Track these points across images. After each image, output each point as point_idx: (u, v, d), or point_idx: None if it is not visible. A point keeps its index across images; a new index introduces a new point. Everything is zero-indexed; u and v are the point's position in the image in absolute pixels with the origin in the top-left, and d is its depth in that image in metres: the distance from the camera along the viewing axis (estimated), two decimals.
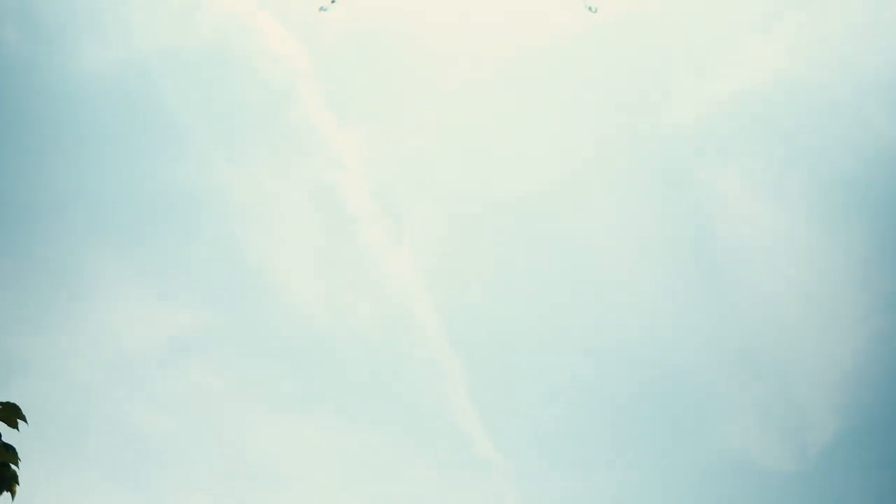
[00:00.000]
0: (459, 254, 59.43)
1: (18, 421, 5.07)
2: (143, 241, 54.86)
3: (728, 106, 52.00)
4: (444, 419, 54.06)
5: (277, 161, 53.77)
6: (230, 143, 53.67)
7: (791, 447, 46.77)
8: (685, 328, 53.63)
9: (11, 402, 4.97)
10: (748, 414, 48.81)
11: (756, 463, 47.33)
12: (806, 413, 47.69)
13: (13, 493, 5.12)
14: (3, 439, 5.09)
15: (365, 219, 54.44)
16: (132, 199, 53.52)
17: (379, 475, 52.20)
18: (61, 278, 53.56)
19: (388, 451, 53.71)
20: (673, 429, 51.61)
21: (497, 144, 56.71)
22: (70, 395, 50.77)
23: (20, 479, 5.15)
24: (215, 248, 58.41)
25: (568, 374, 54.87)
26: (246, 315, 57.30)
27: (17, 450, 5.14)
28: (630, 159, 54.33)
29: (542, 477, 51.34)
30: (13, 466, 5.11)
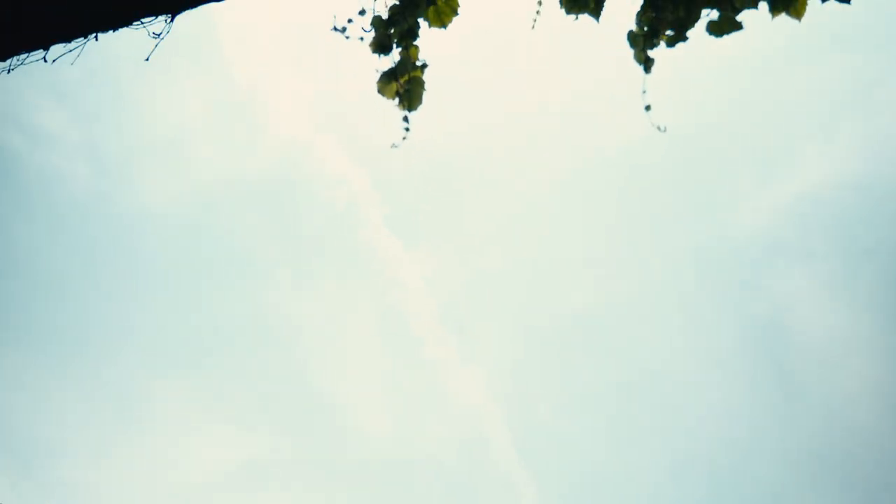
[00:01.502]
0: (527, 370, 58.86)
1: None
2: (209, 369, 55.35)
3: (794, 209, 51.64)
4: None
5: (342, 284, 54.21)
6: (295, 266, 54.25)
7: None
8: (762, 440, 52.16)
9: None
10: None
11: None
12: None
13: None
14: None
15: (431, 339, 54.36)
16: (201, 328, 54.17)
17: None
18: (128, 407, 54.04)
19: None
20: None
21: (561, 261, 56.63)
22: None
23: None
24: (283, 374, 58.61)
25: (644, 493, 53.42)
26: (315, 440, 57.10)
27: None
28: (697, 270, 53.86)
29: None
30: None
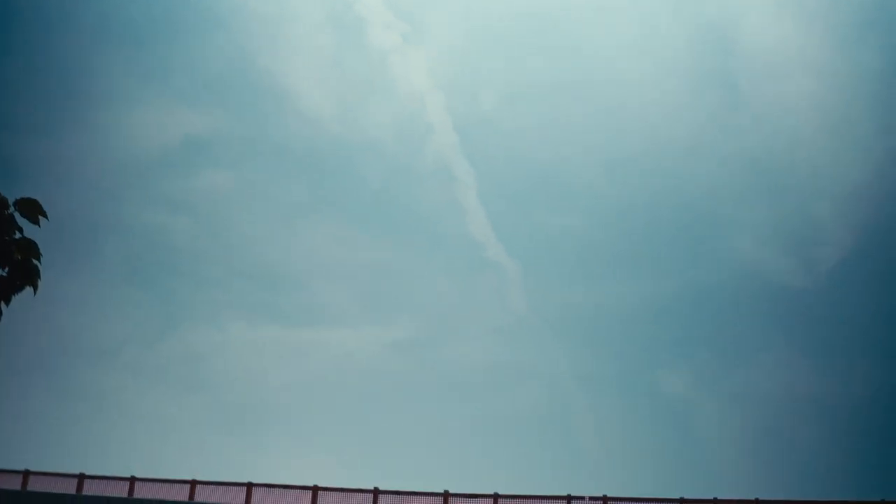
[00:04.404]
0: (474, 58, 58.48)
1: (40, 217, 5.15)
2: (153, 42, 53.98)
3: None
4: (457, 225, 54.60)
5: None
6: None
7: (802, 263, 47.32)
8: (702, 142, 53.34)
9: (32, 197, 5.03)
10: (762, 229, 49.15)
11: (767, 277, 47.97)
12: (819, 230, 48.03)
13: (35, 288, 5.25)
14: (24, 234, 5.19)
15: (377, 22, 53.35)
16: (143, 7, 52.31)
17: (392, 279, 53.11)
18: (72, 81, 53.02)
19: (401, 256, 54.50)
20: (686, 242, 52.05)
21: None
22: (84, 197, 51.20)
23: (41, 274, 5.28)
24: (225, 52, 57.57)
25: (581, 184, 54.91)
26: (257, 119, 57.08)
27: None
28: None
29: (552, 283, 52.20)
30: (35, 261, 5.23)
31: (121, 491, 26.63)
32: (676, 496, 23.62)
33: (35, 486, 27.26)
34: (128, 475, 26.82)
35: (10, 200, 5.08)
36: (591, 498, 24.27)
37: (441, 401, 48.28)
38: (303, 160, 56.67)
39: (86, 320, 50.15)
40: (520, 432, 46.14)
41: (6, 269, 5.09)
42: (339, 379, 49.43)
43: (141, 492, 26.48)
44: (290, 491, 26.03)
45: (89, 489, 26.83)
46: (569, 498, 24.39)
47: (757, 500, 22.94)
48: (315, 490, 25.78)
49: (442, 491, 25.04)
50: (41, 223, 5.10)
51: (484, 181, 56.16)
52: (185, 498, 26.03)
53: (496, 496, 24.72)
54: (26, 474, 27.48)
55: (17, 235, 5.10)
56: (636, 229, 53.48)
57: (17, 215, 5.10)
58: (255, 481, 26.10)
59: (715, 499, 23.26)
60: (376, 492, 25.42)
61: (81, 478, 27.03)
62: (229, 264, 55.08)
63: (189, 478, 26.28)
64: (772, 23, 48.75)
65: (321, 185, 57.30)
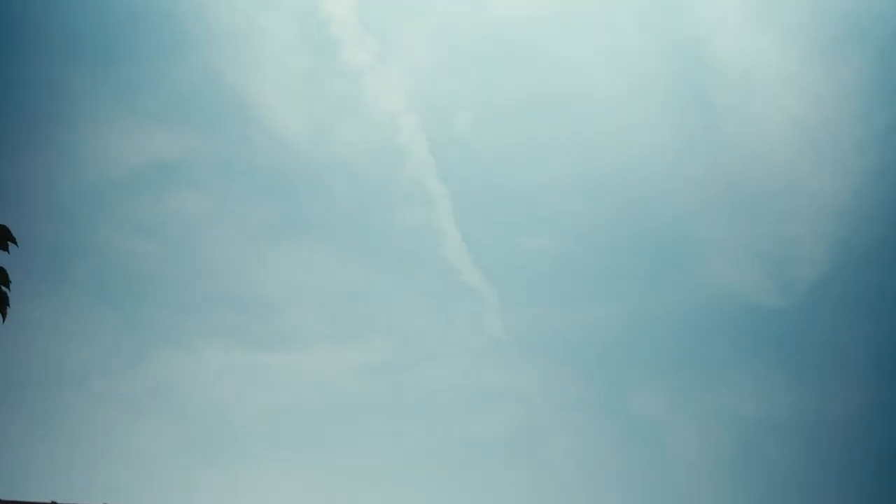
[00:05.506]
0: (448, 77, 58.57)
1: (9, 243, 4.91)
2: (121, 61, 53.67)
3: None
4: (432, 247, 54.49)
5: None
6: None
7: (779, 283, 47.57)
8: (677, 161, 53.66)
9: (1, 224, 4.80)
10: (738, 249, 49.38)
11: (744, 298, 48.15)
12: (796, 249, 48.29)
13: (4, 315, 5.02)
14: None
15: (350, 39, 53.36)
16: (108, 16, 52.03)
17: (366, 302, 52.82)
18: (38, 102, 52.60)
19: (375, 278, 54.24)
20: (661, 263, 52.22)
21: None
22: (52, 220, 50.70)
23: (10, 301, 5.05)
24: (195, 70, 57.31)
25: (557, 207, 55.07)
26: (228, 139, 56.79)
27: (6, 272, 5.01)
28: None
29: (528, 306, 52.16)
30: (3, 288, 4.99)
31: None
32: None
33: None
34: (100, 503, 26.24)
35: None
36: None
37: (415, 424, 47.94)
38: (275, 181, 56.36)
39: (55, 346, 49.50)
40: (496, 455, 45.86)
41: None
42: (313, 403, 49.03)
43: None
44: None
45: None
46: None
47: None
48: None
49: None
50: (10, 249, 4.87)
51: (459, 202, 56.07)
52: None
53: None
54: None
55: None
56: (611, 250, 53.55)
57: None
58: None
59: None
60: None
61: None
62: (201, 288, 54.62)
63: None
64: (748, 40, 49.06)
65: (294, 207, 57.03)
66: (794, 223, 48.92)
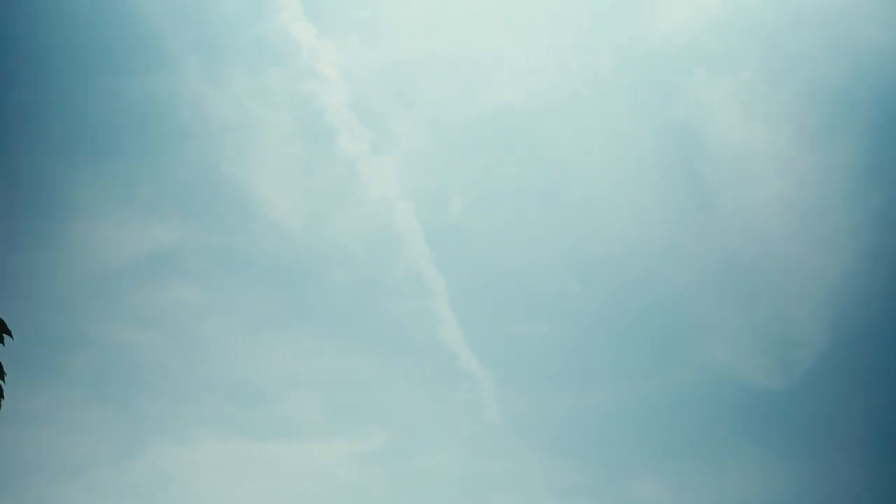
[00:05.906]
0: (442, 165, 59.04)
1: (4, 335, 4.96)
2: (119, 154, 54.17)
3: (717, 14, 51.30)
4: (428, 334, 54.23)
5: (254, 72, 52.87)
6: (206, 53, 52.66)
7: (778, 364, 47.32)
8: (673, 244, 53.78)
9: None
10: (736, 330, 49.19)
11: (743, 380, 47.86)
12: (793, 330, 48.12)
13: None
14: None
15: (344, 129, 53.99)
16: (107, 110, 52.68)
17: (363, 390, 52.46)
18: (38, 193, 52.94)
19: (372, 367, 53.94)
20: (660, 346, 51.93)
21: (479, 55, 55.81)
22: (50, 311, 50.52)
23: (5, 394, 5.08)
24: (192, 162, 57.82)
25: (553, 291, 55.00)
26: (225, 230, 57.00)
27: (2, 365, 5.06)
28: (617, 69, 53.69)
29: (525, 391, 51.77)
30: None
31: None
32: None
33: None
34: None
35: None
36: None
37: None
38: (271, 271, 56.40)
39: (50, 437, 48.94)
40: None
41: None
42: (309, 492, 48.28)
43: None
44: None
45: None
46: None
47: None
48: None
49: None
50: (5, 341, 4.93)
51: (455, 289, 56.04)
52: None
53: None
54: None
55: None
56: (608, 333, 53.34)
57: None
58: None
59: None
60: None
61: None
62: (197, 379, 54.21)
63: None
64: (739, 123, 49.65)
65: (291, 296, 56.92)
66: (791, 303, 48.85)
